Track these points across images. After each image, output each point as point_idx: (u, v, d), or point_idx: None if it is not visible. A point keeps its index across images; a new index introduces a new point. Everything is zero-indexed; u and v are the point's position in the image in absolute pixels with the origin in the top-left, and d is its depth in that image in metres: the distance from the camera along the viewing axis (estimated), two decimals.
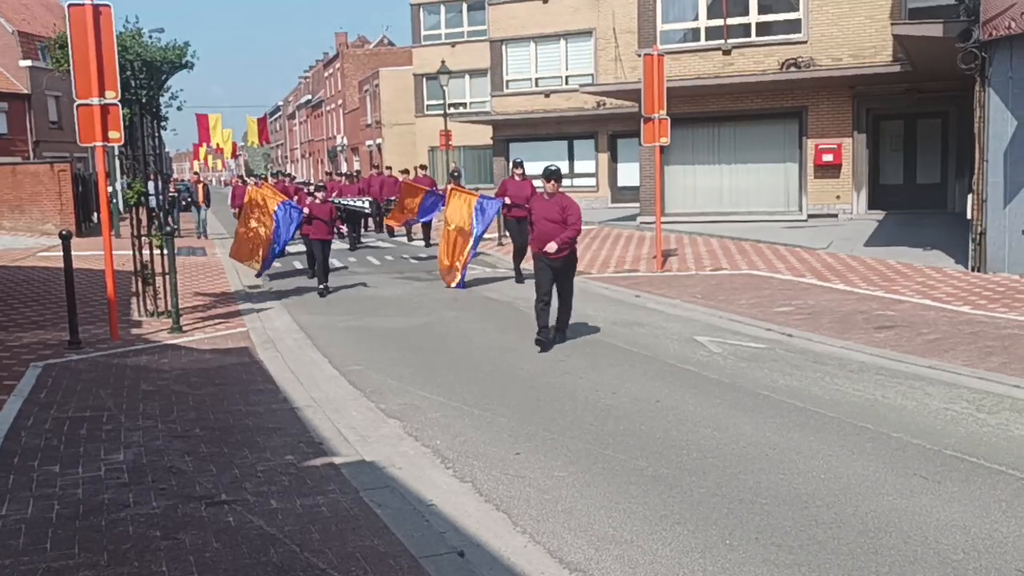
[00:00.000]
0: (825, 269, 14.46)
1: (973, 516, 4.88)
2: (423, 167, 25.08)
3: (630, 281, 14.26)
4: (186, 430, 6.80)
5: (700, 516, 5.02)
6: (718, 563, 4.44)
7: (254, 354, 9.70)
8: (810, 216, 22.29)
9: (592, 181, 33.43)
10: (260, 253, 13.98)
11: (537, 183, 12.57)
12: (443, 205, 16.61)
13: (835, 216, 22.07)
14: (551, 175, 9.75)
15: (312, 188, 22.97)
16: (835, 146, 22.04)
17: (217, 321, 11.78)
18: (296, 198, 17.37)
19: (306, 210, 14.01)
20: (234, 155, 74.42)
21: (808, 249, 16.97)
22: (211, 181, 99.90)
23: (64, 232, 10.68)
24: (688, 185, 23.93)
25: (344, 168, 57.41)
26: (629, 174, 30.95)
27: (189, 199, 27.06)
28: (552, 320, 9.84)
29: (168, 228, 11.55)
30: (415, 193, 17.05)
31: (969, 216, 13.59)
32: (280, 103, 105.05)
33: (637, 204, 24.37)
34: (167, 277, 11.28)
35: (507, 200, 14.56)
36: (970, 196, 13.62)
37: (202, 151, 66.86)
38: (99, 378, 8.56)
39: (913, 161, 22.77)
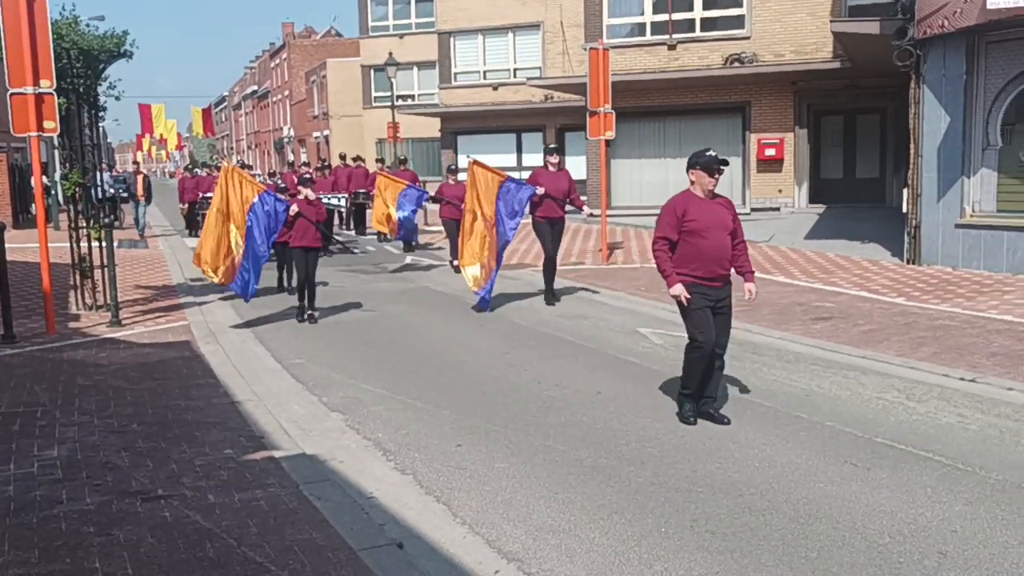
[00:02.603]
0: (766, 261, 14.71)
1: (900, 501, 5.03)
2: (404, 160, 22.88)
3: (576, 274, 14.36)
4: (123, 425, 6.71)
5: (637, 505, 5.10)
6: (654, 551, 4.52)
7: (195, 348, 9.58)
8: (753, 209, 22.64)
9: None
10: (226, 260, 10.63)
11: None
12: (426, 199, 15.83)
13: (777, 209, 22.45)
14: (717, 164, 6.52)
15: (277, 181, 20.70)
16: (777, 141, 22.43)
17: (158, 315, 11.61)
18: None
19: (293, 208, 10.81)
20: (179, 146, 73.19)
21: (750, 242, 17.04)
22: (155, 173, 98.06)
23: None
24: (634, 179, 24.14)
25: (291, 158, 56.76)
26: (577, 167, 31.03)
27: (125, 192, 24.82)
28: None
29: (106, 220, 11.34)
30: (391, 193, 15.63)
31: (905, 210, 13.93)
32: (226, 93, 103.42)
33: (584, 197, 24.55)
34: (105, 270, 11.08)
35: (540, 190, 11.54)
36: (906, 190, 13.95)
37: (146, 142, 65.63)
38: (34, 373, 8.38)
39: (853, 156, 23.25)
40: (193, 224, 22.96)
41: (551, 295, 11.98)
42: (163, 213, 31.63)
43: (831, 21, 18.24)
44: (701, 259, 6.44)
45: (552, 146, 12.57)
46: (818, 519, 4.83)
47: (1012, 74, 12.30)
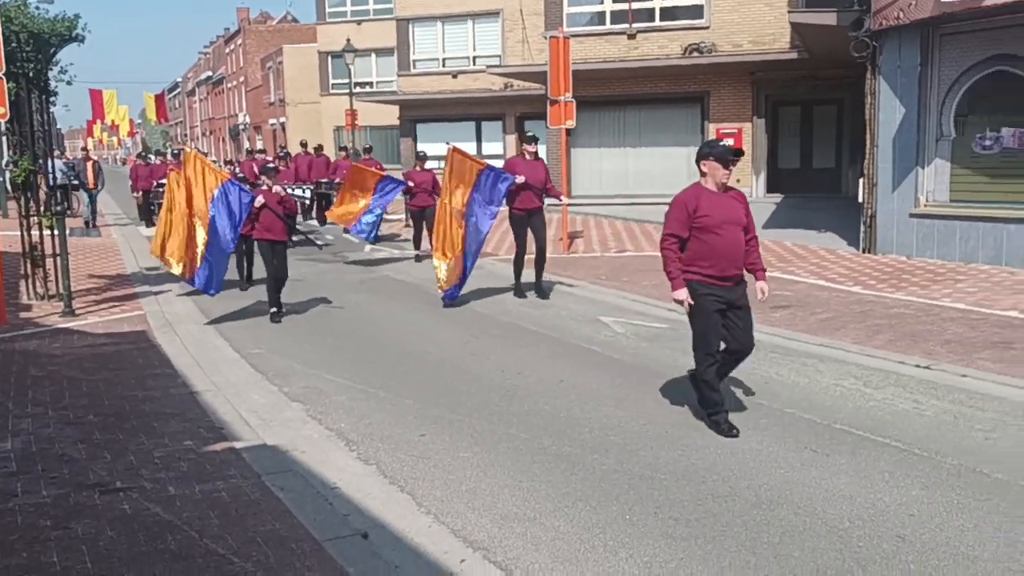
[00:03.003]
0: None
1: (858, 486, 5.11)
2: (368, 149, 21.19)
3: None
4: (79, 417, 6.58)
5: (602, 492, 5.12)
6: (618, 538, 4.55)
7: (151, 338, 9.43)
8: None
9: (499, 163, 33.45)
10: (189, 253, 10.23)
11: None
12: (401, 191, 14.69)
13: None
14: (732, 154, 6.09)
15: (235, 169, 18.51)
16: (735, 130, 22.59)
17: (112, 304, 11.41)
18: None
19: (259, 199, 10.10)
20: (131, 133, 71.97)
21: None
22: (107, 160, 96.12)
23: None
24: (594, 168, 24.20)
25: (248, 145, 55.99)
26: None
27: (75, 179, 23.46)
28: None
29: (58, 207, 11.10)
30: (366, 184, 14.53)
31: (861, 200, 14.12)
32: (179, 79, 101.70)
33: None
34: (58, 258, 10.85)
35: (519, 179, 11.12)
36: (861, 180, 14.15)
37: (96, 128, 64.39)
38: None
39: (809, 146, 23.54)
40: (148, 214, 22.10)
41: (520, 287, 11.62)
42: (116, 201, 31.07)
43: (789, 12, 18.44)
44: (714, 257, 5.96)
45: (530, 134, 12.00)
46: (779, 505, 4.89)
47: (965, 66, 12.51)
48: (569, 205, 12.39)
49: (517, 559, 4.34)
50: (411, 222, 16.05)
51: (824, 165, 23.33)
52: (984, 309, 9.66)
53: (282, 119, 50.16)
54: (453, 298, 10.94)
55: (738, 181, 22.59)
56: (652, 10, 23.05)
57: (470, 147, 31.21)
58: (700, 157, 6.17)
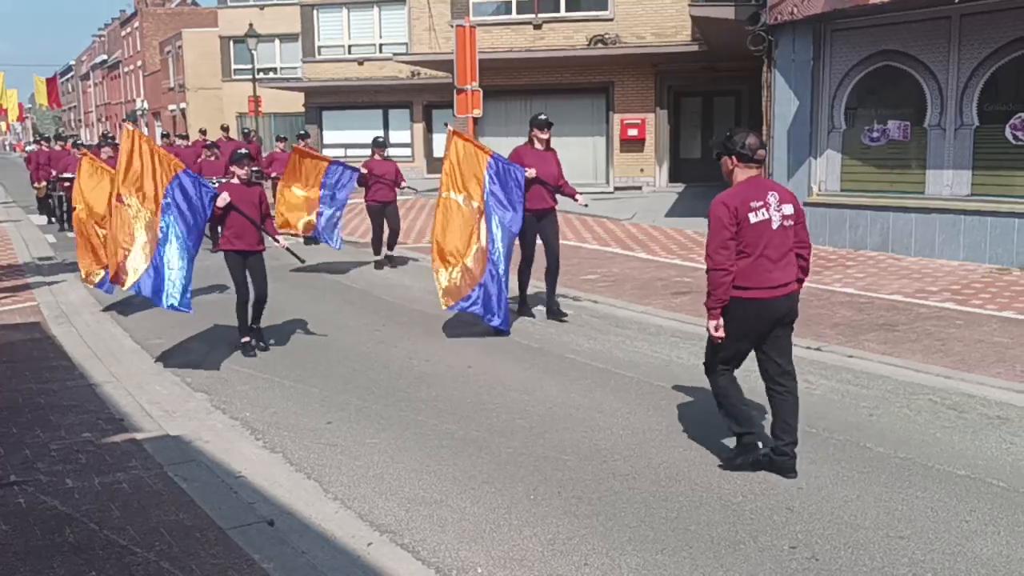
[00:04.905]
0: (629, 239, 15.15)
1: None
2: (304, 135, 17.79)
3: None
4: None
5: (507, 474, 5.23)
6: (523, 517, 4.66)
7: (46, 329, 9.14)
8: (616, 188, 23.22)
9: (408, 151, 33.23)
10: (122, 260, 7.45)
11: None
12: (354, 181, 12.34)
13: (639, 188, 23.10)
14: (746, 150, 5.05)
15: (214, 152, 15.12)
16: (639, 121, 23.05)
17: (3, 295, 10.99)
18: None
19: (224, 196, 7.82)
20: (20, 118, 68.93)
21: (614, 220, 17.69)
22: None
23: None
24: None
25: (164, 130, 54.16)
26: (444, 145, 30.92)
27: None
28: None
29: None
30: (309, 174, 12.21)
31: None
32: (72, 62, 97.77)
33: None
34: None
35: (531, 172, 9.04)
36: None
37: None
38: None
39: (710, 137, 24.10)
40: (48, 209, 19.81)
41: (524, 303, 9.59)
42: (5, 188, 29.81)
43: (689, 5, 18.79)
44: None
45: (543, 117, 9.49)
46: (677, 481, 5.08)
47: (855, 61, 13.04)
48: (585, 206, 10.23)
49: (423, 540, 4.41)
50: (370, 221, 13.22)
51: None
52: (871, 293, 10.13)
53: (182, 105, 48.81)
54: (504, 326, 8.67)
55: (642, 171, 23.20)
56: (557, 0, 23.26)
57: (377, 135, 30.89)
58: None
